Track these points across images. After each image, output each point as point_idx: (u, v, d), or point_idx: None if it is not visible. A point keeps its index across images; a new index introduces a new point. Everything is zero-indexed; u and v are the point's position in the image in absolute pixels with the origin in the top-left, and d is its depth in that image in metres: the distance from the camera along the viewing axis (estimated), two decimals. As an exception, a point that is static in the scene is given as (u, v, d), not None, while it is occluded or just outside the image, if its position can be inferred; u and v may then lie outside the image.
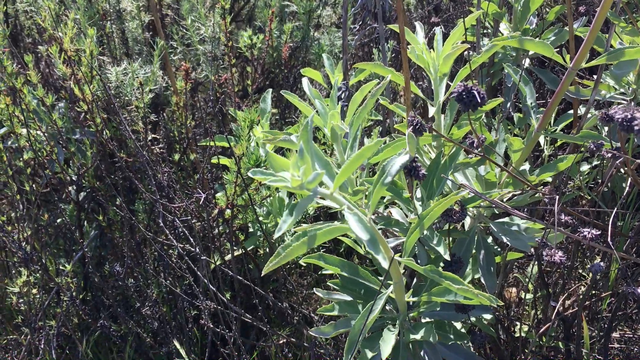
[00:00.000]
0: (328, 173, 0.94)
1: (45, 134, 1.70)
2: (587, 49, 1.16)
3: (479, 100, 0.91)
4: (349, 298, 1.21)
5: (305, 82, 1.25)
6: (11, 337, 1.80)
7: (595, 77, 1.42)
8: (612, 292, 1.58)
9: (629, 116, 0.77)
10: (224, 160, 1.60)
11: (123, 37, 2.02)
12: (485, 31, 1.90)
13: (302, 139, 0.78)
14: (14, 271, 1.75)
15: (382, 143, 0.89)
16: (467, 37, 1.74)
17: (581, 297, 1.51)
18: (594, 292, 1.60)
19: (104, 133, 1.70)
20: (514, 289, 1.92)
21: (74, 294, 1.66)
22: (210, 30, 1.91)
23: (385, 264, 0.83)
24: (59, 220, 1.87)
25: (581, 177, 1.42)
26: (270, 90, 1.70)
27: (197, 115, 1.94)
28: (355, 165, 0.83)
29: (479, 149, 1.20)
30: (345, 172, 0.83)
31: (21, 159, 1.69)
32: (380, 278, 1.17)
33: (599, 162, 1.65)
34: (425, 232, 1.19)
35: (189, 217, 1.60)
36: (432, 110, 1.28)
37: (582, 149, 1.41)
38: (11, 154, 1.75)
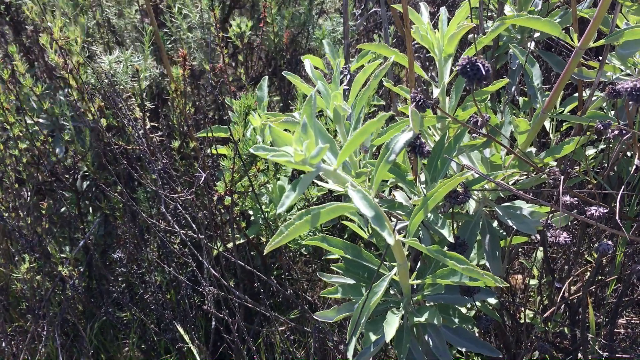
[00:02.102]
0: (331, 150, 0.92)
1: (38, 123, 1.70)
2: (595, 28, 1.14)
3: (484, 73, 0.89)
4: (352, 281, 1.20)
5: (307, 63, 1.24)
6: (16, 324, 1.80)
7: (600, 58, 1.40)
8: (618, 277, 1.56)
9: (638, 85, 0.76)
10: (222, 150, 1.59)
11: (111, 26, 1.99)
12: (489, 14, 1.87)
13: (306, 113, 0.77)
14: (17, 258, 1.75)
15: (387, 118, 0.87)
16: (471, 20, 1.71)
17: (586, 281, 1.50)
18: (599, 277, 1.58)
19: (101, 121, 1.69)
20: (519, 276, 1.91)
21: (76, 281, 1.66)
22: (198, 17, 1.88)
23: (390, 240, 0.81)
24: (62, 209, 1.87)
25: (587, 161, 1.40)
26: (267, 77, 1.67)
27: (197, 103, 1.93)
28: (359, 140, 0.81)
29: (483, 128, 1.18)
30: (350, 147, 0.81)
31: (16, 149, 1.69)
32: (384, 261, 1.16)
33: (604, 146, 1.63)
34: (429, 215, 1.17)
35: (190, 204, 1.59)
36: (436, 92, 1.26)
37: (588, 132, 1.39)
38: (7, 144, 1.75)
